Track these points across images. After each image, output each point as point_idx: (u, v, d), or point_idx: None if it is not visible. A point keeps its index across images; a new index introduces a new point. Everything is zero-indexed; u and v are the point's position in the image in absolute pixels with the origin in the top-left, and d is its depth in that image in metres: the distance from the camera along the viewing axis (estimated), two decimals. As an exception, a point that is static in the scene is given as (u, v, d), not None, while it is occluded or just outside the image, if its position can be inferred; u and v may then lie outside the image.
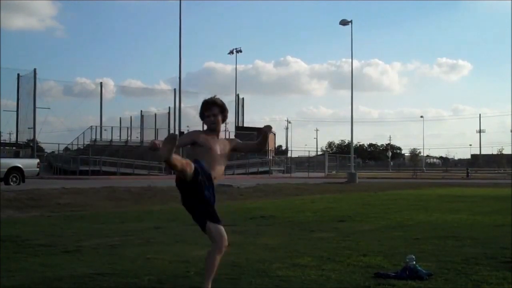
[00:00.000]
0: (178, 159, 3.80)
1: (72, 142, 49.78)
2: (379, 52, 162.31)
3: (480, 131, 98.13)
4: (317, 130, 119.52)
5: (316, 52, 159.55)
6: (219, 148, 4.15)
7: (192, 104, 64.56)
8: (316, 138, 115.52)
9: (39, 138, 48.38)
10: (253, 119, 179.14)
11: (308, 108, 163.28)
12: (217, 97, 4.18)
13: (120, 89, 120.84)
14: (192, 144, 4.10)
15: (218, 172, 4.23)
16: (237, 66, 62.96)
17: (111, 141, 48.61)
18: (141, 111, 62.14)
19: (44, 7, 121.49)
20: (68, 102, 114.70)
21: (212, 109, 4.07)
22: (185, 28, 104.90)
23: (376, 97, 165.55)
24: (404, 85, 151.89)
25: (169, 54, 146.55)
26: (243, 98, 62.47)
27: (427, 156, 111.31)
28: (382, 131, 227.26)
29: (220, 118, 4.11)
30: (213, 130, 4.14)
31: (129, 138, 52.08)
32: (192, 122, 59.56)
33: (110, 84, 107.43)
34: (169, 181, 27.23)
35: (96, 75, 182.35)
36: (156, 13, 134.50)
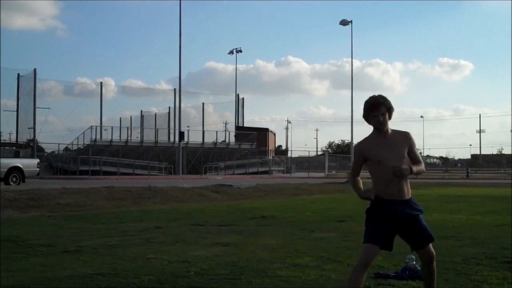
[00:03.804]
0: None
1: (72, 142, 49.84)
2: (381, 52, 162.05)
3: (480, 131, 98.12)
4: (317, 130, 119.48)
5: (317, 52, 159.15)
6: (390, 153, 3.87)
7: (193, 104, 64.78)
8: (316, 138, 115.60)
9: (39, 138, 48.44)
10: (254, 119, 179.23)
11: (308, 108, 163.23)
12: (378, 95, 4.01)
13: (121, 89, 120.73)
14: (365, 161, 3.94)
15: (397, 183, 3.84)
16: (238, 66, 62.98)
17: (111, 141, 48.60)
18: (141, 111, 62.21)
19: (45, 7, 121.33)
20: (68, 102, 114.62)
21: (380, 109, 3.88)
22: (186, 28, 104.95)
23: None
24: (405, 85, 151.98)
25: (170, 54, 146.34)
26: (243, 98, 62.49)
27: (427, 156, 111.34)
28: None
29: (387, 117, 3.91)
30: (381, 130, 3.91)
31: (129, 138, 52.07)
32: (193, 122, 59.69)
33: (110, 84, 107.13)
34: (169, 181, 27.26)
35: (96, 75, 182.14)
36: (156, 13, 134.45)
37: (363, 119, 3.96)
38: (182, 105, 48.27)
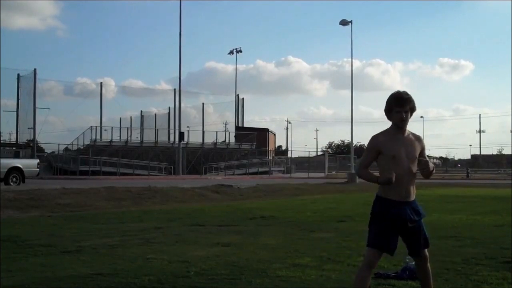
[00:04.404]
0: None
1: (72, 142, 49.83)
2: (381, 52, 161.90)
3: (480, 131, 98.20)
4: (317, 130, 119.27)
5: (317, 52, 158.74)
6: (405, 151, 3.83)
7: (193, 104, 64.75)
8: (316, 138, 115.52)
9: (39, 138, 48.44)
10: (254, 119, 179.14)
11: (309, 108, 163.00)
12: (404, 91, 3.95)
13: (121, 89, 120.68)
14: (378, 155, 3.88)
15: (406, 183, 3.82)
16: (238, 66, 62.99)
17: (111, 141, 48.58)
18: (141, 111, 62.23)
19: (45, 7, 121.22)
20: (69, 102, 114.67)
21: (405, 106, 3.81)
22: (186, 28, 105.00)
23: (377, 97, 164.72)
24: (406, 85, 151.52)
25: (170, 54, 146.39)
26: (243, 98, 62.49)
27: (427, 156, 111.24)
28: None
29: (409, 114, 3.85)
30: (400, 128, 3.86)
31: (129, 138, 52.05)
32: (193, 122, 59.64)
33: (111, 84, 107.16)
34: (169, 181, 27.26)
35: (96, 75, 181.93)
36: (156, 13, 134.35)
37: (384, 113, 3.87)
38: (182, 105, 48.31)
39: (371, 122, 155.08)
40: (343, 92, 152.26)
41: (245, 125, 61.76)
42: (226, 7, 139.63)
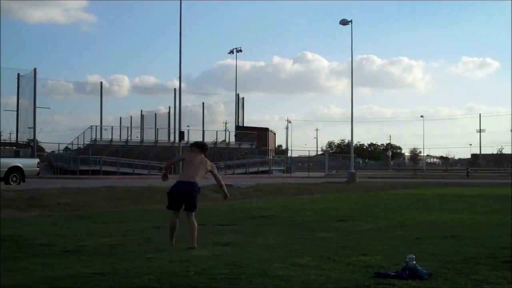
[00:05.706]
0: None
1: (72, 141, 49.80)
2: (404, 50, 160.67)
3: (480, 131, 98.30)
4: (317, 129, 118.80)
5: (331, 49, 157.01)
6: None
7: (193, 103, 64.40)
8: (316, 138, 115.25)
9: (39, 137, 48.37)
10: (263, 119, 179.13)
11: (318, 107, 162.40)
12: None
13: (121, 89, 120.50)
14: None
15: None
16: (248, 63, 62.92)
17: (111, 140, 48.56)
18: (141, 110, 62.20)
19: (48, 7, 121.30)
20: (70, 102, 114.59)
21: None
22: (185, 28, 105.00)
23: (380, 96, 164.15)
24: (427, 82, 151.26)
25: (171, 54, 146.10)
26: (243, 98, 62.41)
27: (428, 155, 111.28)
28: (392, 131, 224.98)
29: None
30: None
31: (129, 138, 52.01)
32: (194, 121, 59.41)
33: (111, 84, 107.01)
34: (169, 181, 27.22)
35: (97, 74, 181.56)
36: (168, 12, 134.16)
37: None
38: (188, 103, 48.27)
39: (372, 122, 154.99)
40: (361, 89, 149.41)
41: (245, 125, 61.72)
42: (226, 6, 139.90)
